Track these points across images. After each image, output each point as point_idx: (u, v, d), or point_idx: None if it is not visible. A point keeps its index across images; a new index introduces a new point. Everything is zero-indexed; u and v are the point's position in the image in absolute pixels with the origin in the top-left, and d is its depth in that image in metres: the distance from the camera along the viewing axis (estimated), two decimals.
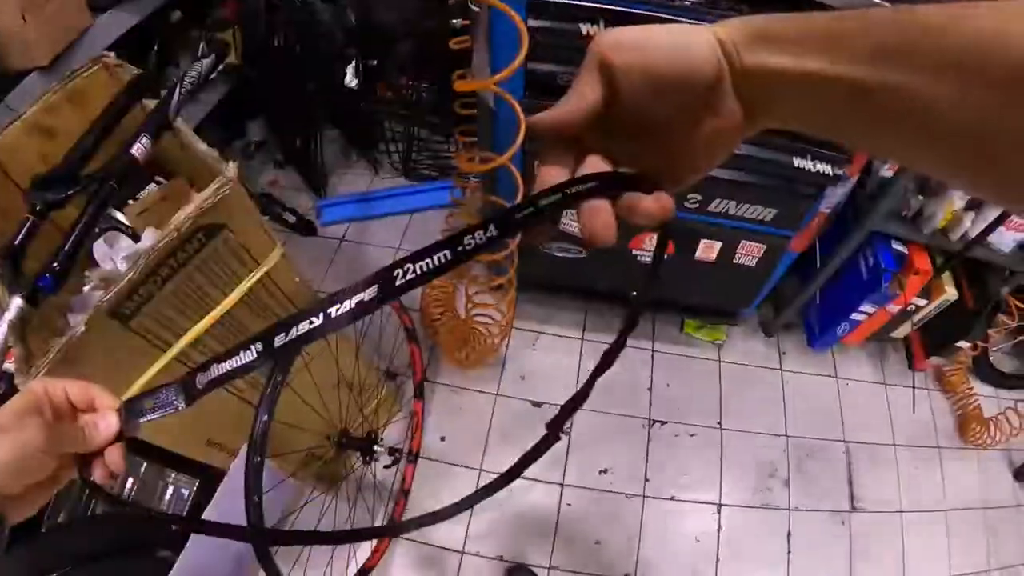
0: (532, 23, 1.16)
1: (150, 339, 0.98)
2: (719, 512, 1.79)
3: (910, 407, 2.04)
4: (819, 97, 0.32)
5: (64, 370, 0.85)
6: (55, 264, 0.88)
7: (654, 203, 0.36)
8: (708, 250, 1.65)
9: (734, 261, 1.67)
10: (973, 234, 1.65)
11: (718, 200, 1.50)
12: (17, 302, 0.80)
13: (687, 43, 0.34)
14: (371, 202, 2.36)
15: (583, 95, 0.36)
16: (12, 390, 0.87)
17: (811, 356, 2.13)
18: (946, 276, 1.85)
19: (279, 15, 1.97)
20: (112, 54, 1.20)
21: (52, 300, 0.93)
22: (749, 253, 1.65)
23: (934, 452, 2.00)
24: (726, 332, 2.10)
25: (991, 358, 2.11)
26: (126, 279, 0.89)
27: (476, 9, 1.18)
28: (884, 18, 0.29)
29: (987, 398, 2.08)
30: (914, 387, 2.08)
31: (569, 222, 1.64)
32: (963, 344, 1.97)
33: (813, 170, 1.40)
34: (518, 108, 1.07)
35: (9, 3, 1.19)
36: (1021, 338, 2.02)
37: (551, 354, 2.03)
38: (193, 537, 1.04)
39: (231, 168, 0.99)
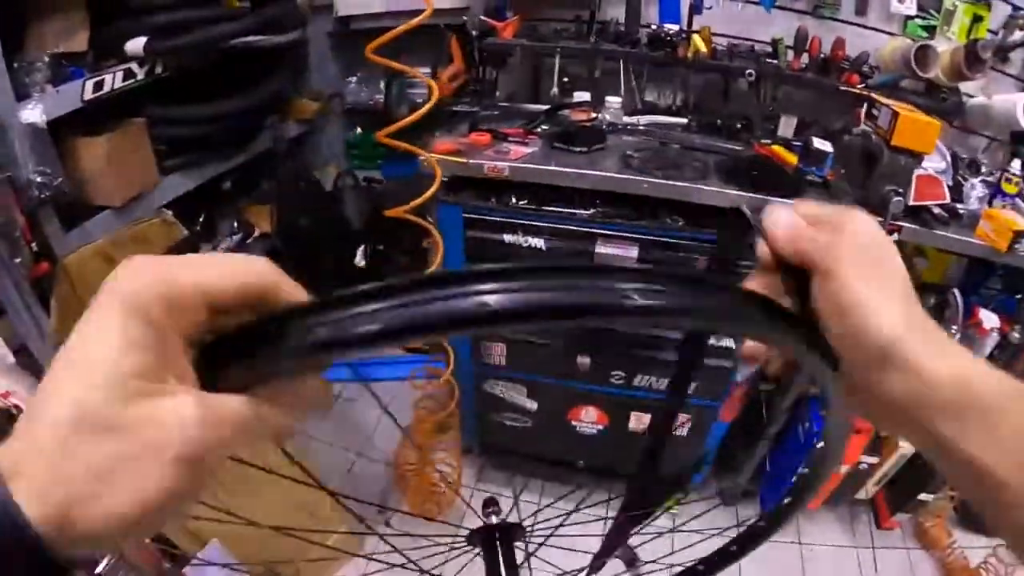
0: (470, 233, 1.73)
1: None
2: None
3: (882, 570, 2.14)
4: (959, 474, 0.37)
5: None
6: None
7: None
8: (639, 421, 2.02)
9: None
10: None
11: (640, 375, 1.91)
12: None
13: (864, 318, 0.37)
14: (367, 368, 2.83)
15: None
16: None
17: None
18: None
19: (309, 200, 2.60)
20: (170, 212, 1.76)
21: None
22: (679, 424, 1.99)
23: None
24: (681, 500, 2.34)
25: None
26: None
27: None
28: None
29: (975, 549, 2.12)
30: (873, 547, 2.21)
31: (514, 396, 2.07)
32: (926, 497, 2.10)
33: (717, 345, 1.78)
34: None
35: (99, 153, 1.65)
36: None
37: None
38: None
39: None
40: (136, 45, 1.60)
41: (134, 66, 1.65)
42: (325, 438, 2.53)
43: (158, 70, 1.72)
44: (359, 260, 2.76)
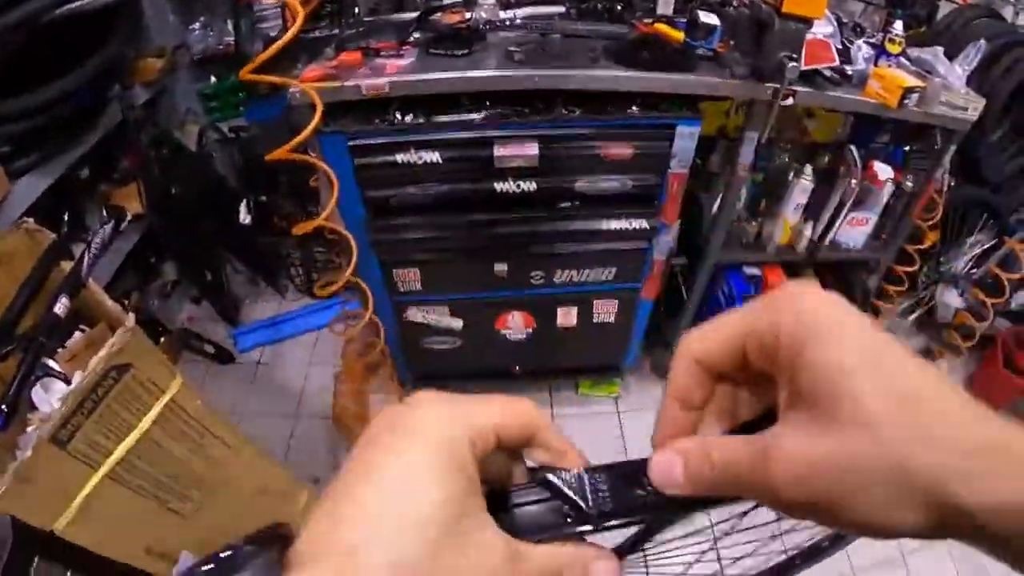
0: (359, 161, 1.66)
1: (85, 460, 1.33)
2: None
3: None
4: None
5: (19, 488, 1.19)
6: (3, 406, 1.23)
7: None
8: (567, 316, 2.08)
9: (594, 320, 2.09)
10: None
11: (559, 271, 1.94)
12: None
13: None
14: (281, 324, 2.76)
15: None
16: None
17: None
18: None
19: (175, 166, 2.41)
20: (31, 220, 1.59)
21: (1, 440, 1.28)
22: (605, 311, 2.07)
23: None
24: (619, 384, 2.49)
25: None
26: (59, 412, 1.25)
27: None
28: None
29: None
30: None
31: (438, 318, 2.07)
32: None
33: (631, 228, 1.83)
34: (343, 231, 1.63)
35: None
36: (918, 312, 2.51)
37: None
38: None
39: (130, 319, 1.39)
40: None
41: None
42: (258, 409, 2.48)
43: None
44: (244, 217, 2.62)
